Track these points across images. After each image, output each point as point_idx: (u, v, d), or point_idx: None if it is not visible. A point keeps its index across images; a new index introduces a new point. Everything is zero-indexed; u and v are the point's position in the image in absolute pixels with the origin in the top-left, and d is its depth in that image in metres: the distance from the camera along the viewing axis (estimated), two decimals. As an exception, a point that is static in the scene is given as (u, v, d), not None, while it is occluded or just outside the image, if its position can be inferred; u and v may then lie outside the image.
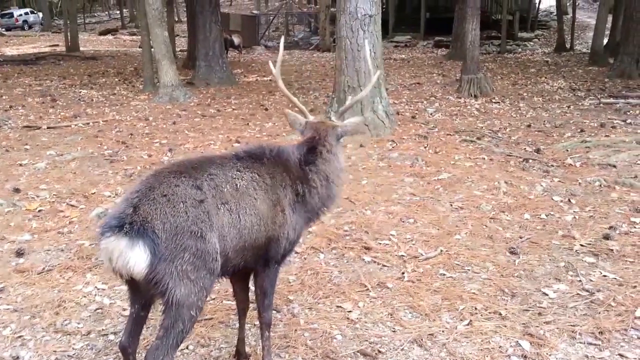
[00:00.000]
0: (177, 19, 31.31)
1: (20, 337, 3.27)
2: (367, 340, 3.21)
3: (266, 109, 10.98)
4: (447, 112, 10.37)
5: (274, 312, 3.47)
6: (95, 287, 3.86)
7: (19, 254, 4.36)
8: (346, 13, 8.24)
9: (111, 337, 3.27)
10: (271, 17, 30.86)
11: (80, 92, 13.15)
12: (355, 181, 6.20)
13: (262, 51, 24.86)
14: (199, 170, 2.48)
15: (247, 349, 3.11)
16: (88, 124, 9.49)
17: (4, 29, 37.46)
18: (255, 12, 32.26)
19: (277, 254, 2.74)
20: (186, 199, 2.31)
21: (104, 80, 15.35)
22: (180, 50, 21.03)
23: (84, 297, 3.73)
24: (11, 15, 41.62)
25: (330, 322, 3.39)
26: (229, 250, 2.46)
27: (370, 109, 8.37)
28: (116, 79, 15.54)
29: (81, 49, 23.99)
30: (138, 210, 2.21)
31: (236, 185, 2.54)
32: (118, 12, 47.29)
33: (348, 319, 3.43)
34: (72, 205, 5.47)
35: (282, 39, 3.74)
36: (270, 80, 15.47)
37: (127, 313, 3.40)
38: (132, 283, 2.37)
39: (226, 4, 41.58)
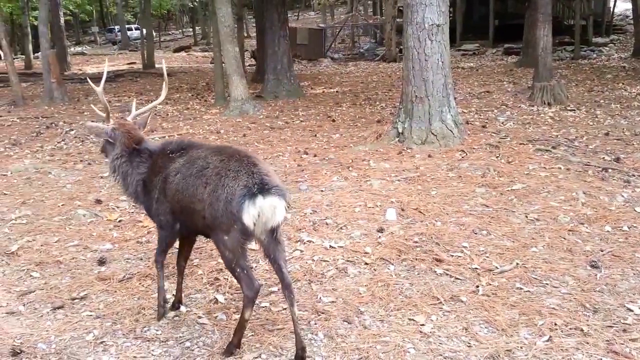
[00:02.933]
0: (246, 35, 32.30)
1: (102, 342, 3.44)
2: (441, 355, 3.17)
3: (333, 120, 11.10)
4: (519, 120, 10.06)
5: (345, 323, 3.53)
6: (172, 294, 4.00)
7: (101, 262, 4.62)
8: (413, 24, 8.22)
9: (187, 344, 3.39)
10: (337, 30, 31.18)
11: (156, 107, 13.79)
12: (425, 192, 6.15)
13: (329, 63, 25.15)
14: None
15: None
16: (164, 137, 9.96)
17: (111, 43, 40.74)
18: (321, 25, 32.73)
19: None
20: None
21: (178, 95, 16.07)
22: (250, 65, 21.67)
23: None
24: (111, 30, 44.83)
25: (402, 335, 3.38)
26: None
27: (439, 118, 8.28)
28: (189, 94, 16.23)
29: (157, 66, 25.27)
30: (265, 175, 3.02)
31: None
32: (191, 29, 49.44)
33: (421, 332, 3.40)
34: (150, 216, 5.76)
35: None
36: (336, 91, 15.64)
37: (201, 321, 3.62)
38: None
39: (293, 19, 42.45)
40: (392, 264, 4.41)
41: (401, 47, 10.03)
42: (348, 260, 4.51)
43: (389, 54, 24.74)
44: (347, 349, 3.24)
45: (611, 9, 27.87)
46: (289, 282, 3.19)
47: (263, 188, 2.93)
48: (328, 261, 4.51)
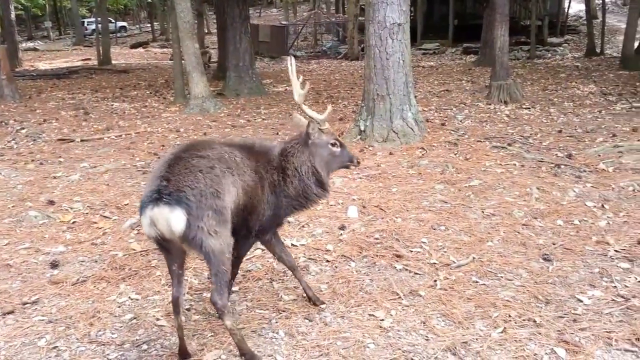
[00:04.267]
0: (207, 31, 31.87)
1: (55, 347, 3.34)
2: (399, 349, 3.22)
3: (295, 119, 11.08)
4: (477, 118, 10.29)
5: (306, 320, 3.55)
6: (129, 297, 3.95)
7: (54, 265, 4.47)
8: (375, 22, 8.29)
9: (144, 346, 3.33)
10: (300, 27, 31.14)
11: (112, 104, 13.51)
12: (386, 189, 6.23)
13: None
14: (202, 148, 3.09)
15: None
16: (120, 136, 9.74)
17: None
18: (284, 22, 32.61)
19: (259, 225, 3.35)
20: (201, 167, 2.89)
21: (135, 92, 15.74)
22: (211, 62, 21.41)
23: (118, 307, 3.81)
24: (82, 23, 43.46)
25: (362, 331, 3.42)
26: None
27: (400, 116, 8.39)
28: (147, 92, 15.91)
29: (113, 62, 24.66)
30: (170, 183, 2.77)
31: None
32: (149, 25, 48.44)
33: (380, 327, 3.45)
34: (105, 217, 5.60)
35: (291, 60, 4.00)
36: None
37: (159, 323, 3.57)
38: (165, 247, 2.94)
39: (255, 15, 42.15)
40: (353, 261, 4.45)
41: (363, 45, 10.15)
42: (310, 258, 4.53)
43: (351, 52, 24.88)
44: (307, 347, 3.26)
45: (566, 10, 28.77)
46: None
47: (154, 197, 2.73)
48: (289, 259, 4.51)
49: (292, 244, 4.78)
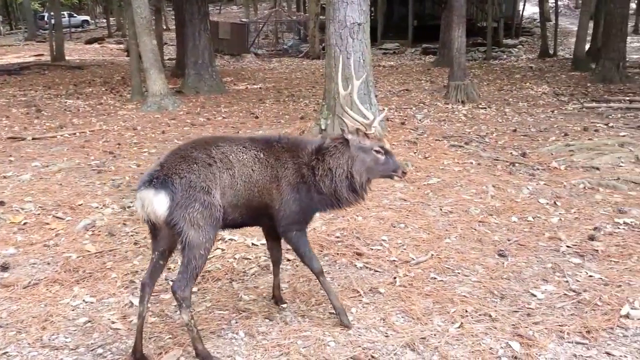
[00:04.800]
0: (165, 27, 31.25)
1: (5, 353, 3.22)
2: (360, 346, 3.24)
3: (256, 117, 11.02)
4: (436, 118, 10.48)
5: (267, 320, 3.53)
6: (83, 300, 3.84)
7: (4, 268, 4.30)
8: (335, 21, 8.31)
9: (99, 350, 3.24)
10: (260, 25, 30.93)
11: (66, 102, 13.10)
12: (346, 187, 6.25)
13: (252, 59, 24.92)
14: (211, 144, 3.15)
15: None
16: (74, 134, 9.46)
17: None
18: (244, 20, 32.31)
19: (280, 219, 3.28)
20: (198, 160, 2.98)
21: (90, 89, 15.31)
22: (169, 59, 21.03)
23: (72, 310, 3.70)
24: (42, 17, 41.40)
25: (323, 329, 3.42)
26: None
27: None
28: (103, 89, 15.50)
29: (67, 58, 23.88)
30: (163, 169, 2.92)
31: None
32: (105, 20, 47.14)
33: (341, 325, 3.46)
34: (58, 217, 5.43)
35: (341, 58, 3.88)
36: (260, 88, 15.52)
37: (115, 326, 3.49)
38: (154, 231, 3.05)
39: (215, 12, 41.61)
40: (314, 259, 4.45)
41: (324, 44, 10.17)
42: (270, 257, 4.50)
43: (312, 51, 24.91)
44: (268, 346, 3.24)
45: (520, 13, 29.61)
46: None
47: (146, 180, 2.93)
48: (250, 259, 4.49)
49: (252, 244, 4.75)
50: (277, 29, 31.87)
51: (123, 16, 34.31)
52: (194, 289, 3.95)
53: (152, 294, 3.84)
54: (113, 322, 3.55)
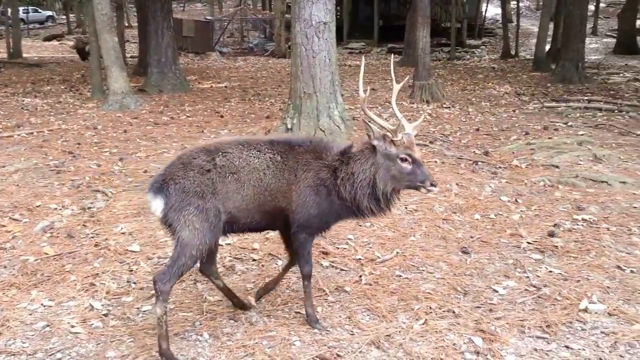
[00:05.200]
0: (127, 24, 30.61)
1: (-40, 359, 3.10)
2: (325, 345, 3.23)
3: (221, 116, 10.90)
4: (401, 117, 10.55)
5: (232, 321, 3.49)
6: (42, 304, 3.72)
7: (-40, 271, 4.14)
8: (301, 20, 8.29)
9: (58, 355, 3.15)
10: (225, 23, 30.62)
11: (23, 100, 12.69)
12: (312, 187, 6.24)
13: (217, 57, 24.65)
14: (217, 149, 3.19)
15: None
16: (32, 133, 9.16)
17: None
18: (209, 17, 31.92)
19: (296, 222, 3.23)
20: (195, 167, 3.07)
21: (48, 88, 14.87)
22: (131, 57, 20.61)
23: (30, 315, 3.58)
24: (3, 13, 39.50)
25: (289, 329, 3.40)
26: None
27: (327, 114, 8.44)
28: (62, 87, 15.07)
29: (24, 55, 23.11)
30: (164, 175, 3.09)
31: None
32: (64, 17, 45.80)
33: (307, 324, 3.45)
34: (15, 219, 5.24)
35: (363, 59, 3.72)
36: (225, 86, 15.36)
37: (74, 330, 3.41)
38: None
39: (179, 9, 40.99)
40: (280, 259, 4.43)
41: (290, 43, 10.18)
42: (236, 258, 4.46)
43: (278, 50, 24.81)
44: (232, 347, 3.20)
45: (483, 14, 30.20)
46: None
47: (151, 183, 3.13)
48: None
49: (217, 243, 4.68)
50: (243, 27, 31.62)
51: (83, 12, 33.43)
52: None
53: (114, 297, 3.80)
54: (73, 326, 3.44)
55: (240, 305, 3.60)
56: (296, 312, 3.59)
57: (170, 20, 14.55)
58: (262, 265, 4.33)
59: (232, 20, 31.10)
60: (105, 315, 3.59)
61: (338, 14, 25.51)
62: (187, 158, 3.14)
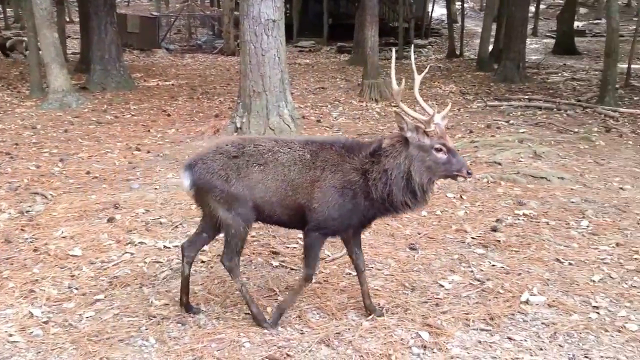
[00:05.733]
0: (68, 20, 29.44)
1: None
2: (275, 345, 3.23)
3: (169, 115, 10.66)
4: (351, 115, 10.67)
5: (179, 324, 3.43)
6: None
7: None
8: (249, 17, 8.22)
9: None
10: (172, 19, 29.93)
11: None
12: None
13: (164, 54, 24.07)
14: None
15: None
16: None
17: None
18: (155, 13, 31.12)
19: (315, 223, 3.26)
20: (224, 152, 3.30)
21: (-16, 85, 14.12)
22: (73, 53, 19.84)
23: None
24: None
25: (238, 330, 3.37)
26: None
27: (276, 113, 8.42)
28: (-1, 84, 14.35)
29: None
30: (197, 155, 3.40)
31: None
32: (0, 11, 43.59)
33: (257, 325, 3.43)
34: (-52, 224, 4.97)
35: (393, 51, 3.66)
36: (172, 84, 15.03)
37: (13, 339, 3.27)
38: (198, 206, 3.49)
39: (123, 4, 39.75)
40: (229, 260, 4.37)
41: (239, 40, 10.05)
42: (183, 259, 4.37)
43: (227, 47, 24.46)
44: (180, 352, 3.14)
45: (429, 14, 30.82)
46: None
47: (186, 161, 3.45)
48: (162, 262, 4.34)
49: (164, 246, 4.59)
50: (190, 23, 31.01)
51: (21, 7, 31.92)
52: (101, 296, 3.77)
53: (54, 303, 3.65)
54: (11, 335, 3.30)
55: (185, 304, 3.59)
56: (245, 314, 3.56)
57: (114, 15, 14.11)
58: (211, 267, 4.26)
59: (179, 16, 30.45)
60: (46, 322, 3.45)
61: (287, 11, 25.39)
62: (221, 143, 3.39)
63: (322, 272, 4.17)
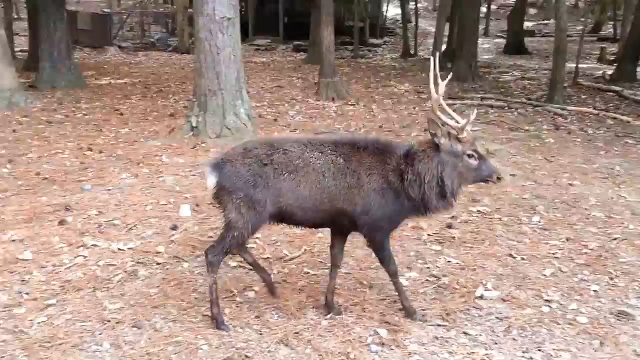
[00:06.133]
0: (16, 16, 28.24)
1: None
2: (233, 347, 3.20)
3: (121, 114, 10.38)
4: (307, 114, 10.67)
5: (135, 328, 3.35)
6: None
7: None
8: (204, 15, 8.09)
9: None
10: (125, 17, 29.17)
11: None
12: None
13: (116, 52, 23.41)
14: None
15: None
16: None
17: None
18: (106, 10, 30.25)
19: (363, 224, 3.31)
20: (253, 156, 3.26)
21: None
22: (21, 51, 19.06)
23: None
24: None
25: (195, 333, 3.33)
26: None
27: (233, 112, 8.32)
28: (-61, 82, 13.60)
29: None
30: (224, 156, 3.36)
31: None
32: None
33: (214, 327, 3.39)
34: None
35: (436, 55, 3.62)
36: (125, 83, 14.65)
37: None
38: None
39: (73, 1, 38.45)
40: (186, 262, 4.32)
41: (194, 38, 9.88)
42: (138, 262, 4.28)
43: (182, 45, 24.03)
44: (135, 356, 3.08)
45: (384, 13, 31.18)
46: None
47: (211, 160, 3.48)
48: (116, 265, 4.23)
49: (118, 249, 4.48)
50: (143, 21, 30.29)
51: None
52: (53, 301, 3.66)
53: (4, 309, 3.50)
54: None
55: (269, 283, 3.68)
56: (203, 316, 3.51)
57: (64, 12, 13.62)
58: (167, 269, 4.19)
59: (132, 13, 29.72)
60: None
61: (243, 9, 25.22)
62: (250, 146, 3.35)
63: (281, 272, 4.16)
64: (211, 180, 3.25)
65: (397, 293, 3.58)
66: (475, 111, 3.77)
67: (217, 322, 3.37)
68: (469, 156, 3.29)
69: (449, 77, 3.67)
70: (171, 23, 28.67)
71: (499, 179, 3.39)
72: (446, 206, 3.37)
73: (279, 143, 3.38)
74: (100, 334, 3.32)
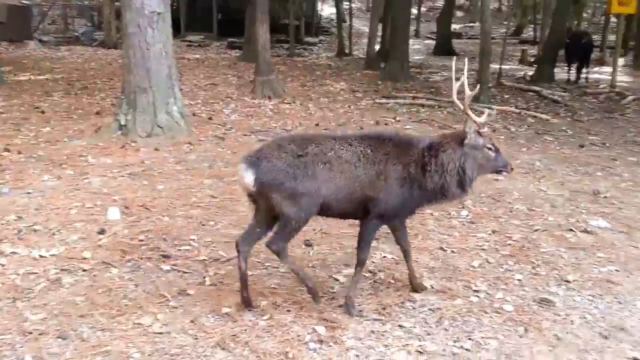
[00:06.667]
0: None
1: None
2: (167, 354, 3.09)
3: (43, 112, 9.80)
4: (243, 112, 10.53)
5: (59, 339, 3.17)
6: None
7: None
8: (132, 9, 7.78)
9: None
10: (46, 9, 27.61)
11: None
12: (151, 187, 5.94)
13: (36, 46, 22.13)
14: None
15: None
16: None
17: None
18: (25, 2, 28.50)
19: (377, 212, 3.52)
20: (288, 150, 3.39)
21: None
22: None
23: None
24: None
25: (126, 341, 3.18)
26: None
27: (164, 110, 8.06)
28: None
29: None
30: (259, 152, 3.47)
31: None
32: None
33: (147, 334, 3.26)
34: None
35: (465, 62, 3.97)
36: (47, 79, 13.86)
37: None
38: (251, 198, 3.55)
39: (-14, -9, 35.98)
40: (115, 267, 4.13)
41: (121, 33, 9.48)
42: (62, 269, 4.05)
43: (108, 40, 23.04)
44: (61, 366, 2.90)
45: (319, 12, 31.36)
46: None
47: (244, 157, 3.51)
48: (38, 273, 3.98)
49: (40, 255, 4.22)
50: (67, 13, 28.83)
51: None
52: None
53: None
54: None
55: (246, 299, 3.60)
56: (134, 323, 3.36)
57: (-24, 2, 12.72)
58: (95, 275, 3.98)
59: (54, 5, 28.20)
60: None
61: (174, 4, 24.54)
62: (282, 141, 3.50)
63: (217, 274, 4.06)
64: (249, 178, 3.32)
65: (351, 282, 3.68)
66: (495, 108, 4.18)
67: (313, 293, 3.62)
68: (489, 149, 3.63)
69: (464, 76, 3.92)
70: (97, 16, 27.47)
71: (512, 169, 3.79)
72: (462, 194, 3.67)
73: (309, 138, 3.63)
74: (21, 346, 3.10)
